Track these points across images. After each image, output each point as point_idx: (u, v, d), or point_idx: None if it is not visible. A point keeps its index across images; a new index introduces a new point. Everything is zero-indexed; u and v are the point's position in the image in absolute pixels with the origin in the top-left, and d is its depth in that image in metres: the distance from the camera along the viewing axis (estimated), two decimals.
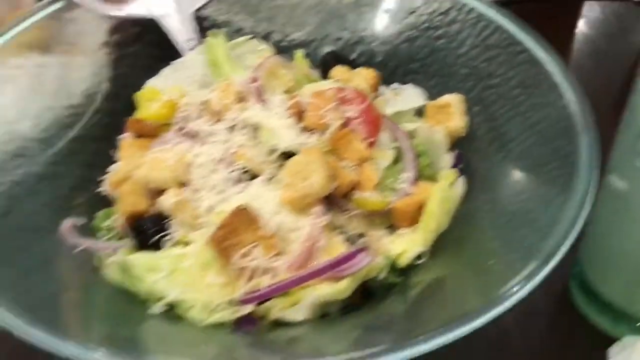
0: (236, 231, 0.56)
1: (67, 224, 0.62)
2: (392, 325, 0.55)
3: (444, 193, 0.62)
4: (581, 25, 1.08)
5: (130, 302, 0.56)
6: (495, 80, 0.71)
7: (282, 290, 0.56)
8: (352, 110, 0.67)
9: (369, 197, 0.63)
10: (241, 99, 0.69)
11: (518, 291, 0.46)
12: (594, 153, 0.56)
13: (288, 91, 0.73)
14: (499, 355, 0.66)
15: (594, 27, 1.07)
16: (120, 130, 0.72)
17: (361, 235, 0.64)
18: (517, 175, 0.63)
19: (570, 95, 0.62)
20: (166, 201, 0.62)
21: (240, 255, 0.56)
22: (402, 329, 0.54)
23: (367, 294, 0.60)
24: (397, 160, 0.69)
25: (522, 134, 0.65)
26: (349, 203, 0.64)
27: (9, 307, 0.46)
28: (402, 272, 0.61)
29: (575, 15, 1.10)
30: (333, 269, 0.56)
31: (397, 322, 0.56)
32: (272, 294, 0.56)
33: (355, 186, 0.64)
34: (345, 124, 0.67)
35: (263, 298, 0.56)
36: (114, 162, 0.70)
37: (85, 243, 0.61)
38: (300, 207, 0.60)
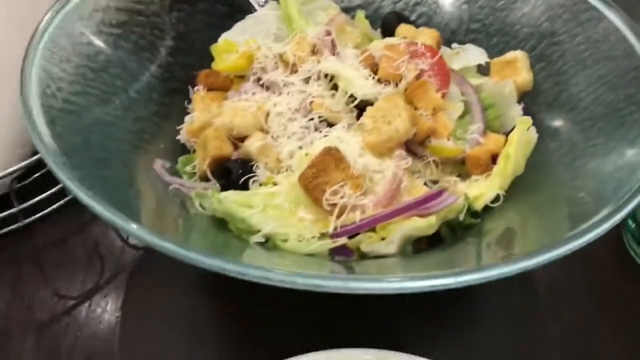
0: (325, 170, 0.59)
1: (158, 164, 0.64)
2: (472, 258, 0.58)
3: (522, 137, 0.64)
4: None
5: (228, 235, 0.58)
6: (559, 38, 0.73)
7: (373, 224, 0.58)
8: (424, 64, 0.70)
9: (445, 144, 0.66)
10: (315, 51, 0.72)
11: (587, 234, 0.48)
12: None
13: (356, 47, 0.76)
14: (556, 301, 0.69)
15: None
16: (194, 84, 0.74)
17: (435, 182, 0.66)
18: (588, 123, 0.65)
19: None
20: (251, 145, 0.65)
21: (330, 193, 0.58)
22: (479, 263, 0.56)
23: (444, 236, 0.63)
24: (464, 113, 0.71)
25: (591, 85, 0.67)
26: (425, 150, 0.66)
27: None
28: (479, 216, 0.63)
29: None
30: (420, 206, 0.59)
31: (470, 259, 0.58)
32: (363, 228, 0.58)
33: (431, 134, 0.66)
34: (418, 76, 0.69)
35: (354, 232, 0.58)
36: (187, 114, 0.72)
37: (176, 181, 0.63)
38: (383, 150, 0.63)
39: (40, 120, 0.55)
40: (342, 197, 0.58)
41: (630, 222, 0.73)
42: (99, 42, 0.68)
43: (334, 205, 0.58)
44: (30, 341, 0.64)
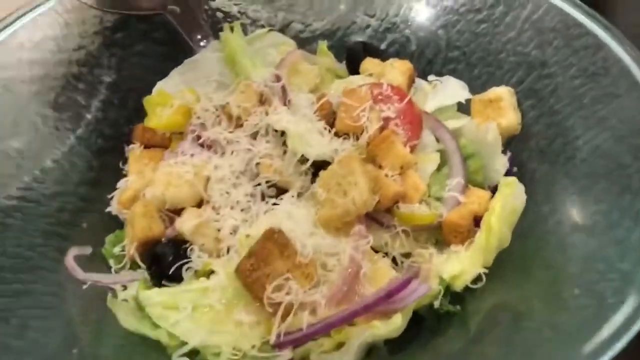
0: (267, 259, 0.48)
1: (71, 255, 0.54)
2: None
3: (506, 206, 0.53)
4: None
5: (149, 348, 0.48)
6: (551, 70, 0.62)
7: (325, 330, 0.48)
8: (389, 110, 0.59)
9: (417, 210, 0.55)
10: (263, 101, 0.61)
11: (621, 337, 0.37)
12: None
13: (314, 90, 0.65)
14: None
15: None
16: (128, 141, 0.64)
17: (406, 255, 0.55)
18: (588, 180, 0.54)
19: None
20: (184, 224, 0.54)
21: (272, 289, 0.48)
22: None
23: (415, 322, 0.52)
24: (441, 164, 0.60)
25: (590, 130, 0.56)
26: (393, 218, 0.55)
27: None
28: (459, 298, 0.53)
29: None
30: (383, 302, 0.48)
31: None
32: (314, 335, 0.48)
33: (399, 198, 0.56)
34: (382, 127, 0.59)
35: (301, 342, 0.48)
36: (122, 176, 0.62)
37: (92, 277, 0.53)
38: (339, 225, 0.52)
39: None
40: (287, 294, 0.48)
41: None
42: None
43: (278, 304, 0.48)
44: None
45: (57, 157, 0.60)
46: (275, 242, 0.49)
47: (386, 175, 0.55)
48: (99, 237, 0.59)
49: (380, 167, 0.56)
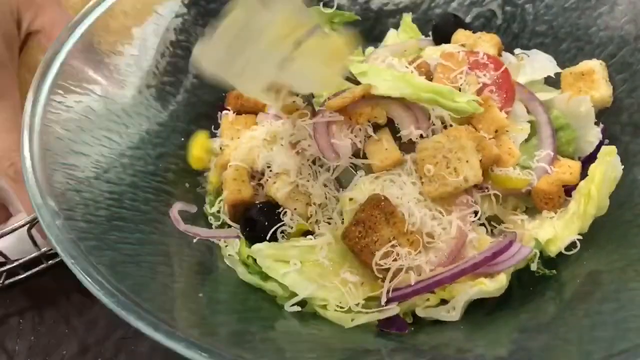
0: (374, 227, 0.50)
1: (176, 209, 0.57)
2: (547, 328, 0.48)
3: (606, 173, 0.54)
4: None
5: (259, 297, 0.51)
6: None
7: (434, 287, 0.50)
8: (486, 76, 0.60)
9: (511, 173, 0.56)
10: None
11: None
12: None
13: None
14: None
15: None
16: (222, 107, 0.67)
17: (495, 221, 0.57)
18: None
19: None
20: (278, 191, 0.56)
21: (382, 256, 0.49)
22: (559, 334, 0.47)
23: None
24: (531, 134, 0.61)
25: None
26: (487, 180, 0.56)
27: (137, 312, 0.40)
28: (553, 264, 0.54)
29: None
30: (487, 262, 0.50)
31: (553, 325, 0.48)
32: (422, 292, 0.50)
33: (496, 161, 0.56)
34: (478, 91, 0.60)
35: (409, 297, 0.50)
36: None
37: (191, 229, 0.56)
38: (446, 198, 0.54)
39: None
40: (395, 260, 0.50)
41: None
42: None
43: (386, 270, 0.50)
44: None
45: (161, 121, 0.62)
46: (381, 209, 0.51)
47: (484, 137, 0.56)
48: (200, 197, 0.61)
49: (476, 129, 0.57)
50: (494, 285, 0.49)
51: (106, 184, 0.53)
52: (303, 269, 0.51)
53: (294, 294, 0.50)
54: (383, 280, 0.50)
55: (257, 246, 0.52)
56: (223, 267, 0.53)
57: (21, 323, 0.65)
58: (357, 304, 0.49)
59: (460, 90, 0.59)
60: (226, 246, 0.56)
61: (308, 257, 0.52)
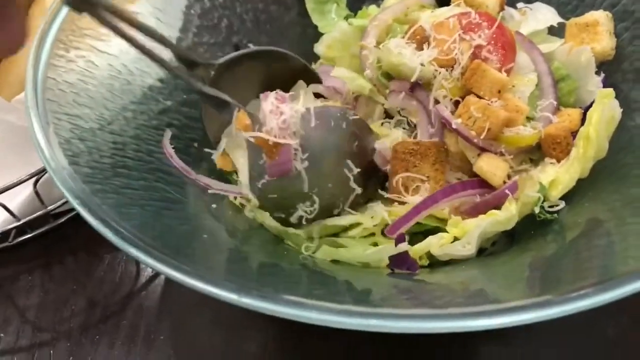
0: (424, 158, 0.55)
1: (166, 138, 0.58)
2: (549, 262, 0.49)
3: (603, 114, 0.54)
4: None
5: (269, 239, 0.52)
6: None
7: (430, 204, 0.52)
8: (480, 38, 0.60)
9: (522, 132, 0.56)
10: None
11: None
12: None
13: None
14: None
15: None
16: None
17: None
18: None
19: None
20: None
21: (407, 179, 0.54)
22: (567, 276, 0.47)
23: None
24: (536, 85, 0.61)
25: None
26: (500, 145, 0.56)
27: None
28: (556, 211, 0.54)
29: None
30: (479, 185, 0.53)
31: (560, 267, 0.49)
32: (421, 212, 0.52)
33: (507, 123, 0.56)
34: (476, 54, 0.59)
35: (407, 220, 0.52)
36: None
37: (212, 184, 0.57)
38: None
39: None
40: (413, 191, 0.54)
41: None
42: None
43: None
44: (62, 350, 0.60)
45: (163, 77, 0.62)
46: (439, 150, 0.55)
47: (489, 104, 0.56)
48: (201, 152, 0.62)
49: (479, 97, 0.57)
50: (504, 214, 0.50)
51: (110, 134, 0.53)
52: None
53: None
54: None
55: None
56: (229, 213, 0.54)
57: (30, 280, 0.66)
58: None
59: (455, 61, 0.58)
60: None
61: None
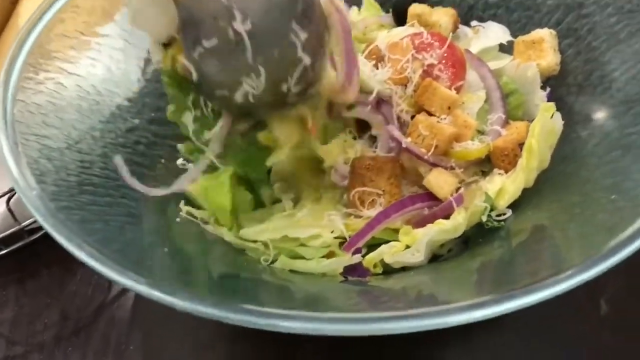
0: (379, 172, 0.58)
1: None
2: (499, 273, 0.52)
3: (544, 127, 0.57)
4: None
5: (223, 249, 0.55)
6: (588, 10, 0.65)
7: (383, 218, 0.55)
8: (432, 57, 0.63)
9: (471, 146, 0.59)
10: None
11: None
12: None
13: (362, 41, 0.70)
14: (598, 305, 0.62)
15: None
16: None
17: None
18: (623, 107, 0.58)
19: None
20: None
21: (364, 193, 0.57)
22: (509, 277, 0.50)
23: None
24: (485, 101, 0.65)
25: (625, 63, 0.60)
26: (450, 159, 0.59)
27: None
28: (503, 219, 0.57)
29: None
30: (427, 199, 0.57)
31: (505, 269, 0.52)
32: (376, 226, 0.55)
33: (454, 139, 0.59)
34: (428, 73, 0.62)
35: (364, 236, 0.55)
36: None
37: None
38: None
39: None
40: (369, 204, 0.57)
41: None
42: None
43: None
44: None
45: (131, 96, 0.65)
46: (395, 164, 0.58)
47: (438, 121, 0.59)
48: (169, 169, 0.64)
49: (430, 114, 0.61)
50: (451, 223, 0.53)
51: (77, 153, 0.56)
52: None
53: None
54: None
55: None
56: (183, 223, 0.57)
57: (5, 295, 0.68)
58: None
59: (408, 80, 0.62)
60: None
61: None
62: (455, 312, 0.40)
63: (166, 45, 0.52)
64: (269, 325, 0.38)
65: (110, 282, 0.69)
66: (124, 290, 0.68)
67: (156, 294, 0.40)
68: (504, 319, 0.54)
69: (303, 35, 0.50)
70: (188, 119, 0.56)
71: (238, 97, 0.50)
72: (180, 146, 0.63)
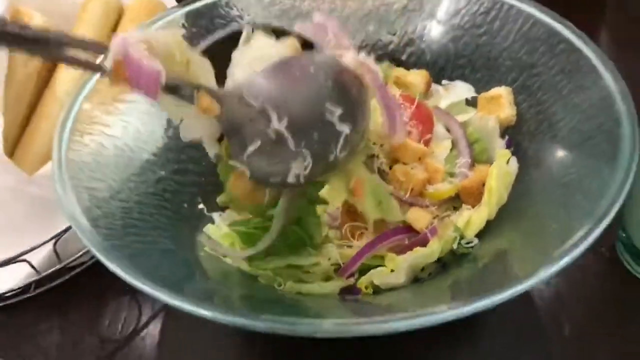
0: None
1: None
2: (468, 287, 0.64)
3: (501, 170, 0.70)
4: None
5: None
6: (537, 70, 0.78)
7: (369, 249, 0.67)
8: (404, 115, 0.75)
9: (441, 187, 0.73)
10: None
11: (574, 249, 0.54)
12: (635, 127, 0.63)
13: None
14: (557, 313, 0.74)
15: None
16: None
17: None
18: (566, 151, 0.70)
19: (608, 76, 0.69)
20: None
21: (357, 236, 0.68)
22: (475, 291, 0.62)
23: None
24: (453, 148, 0.78)
25: (567, 115, 0.73)
26: (425, 199, 0.72)
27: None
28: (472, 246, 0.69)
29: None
30: (401, 233, 0.69)
31: (472, 284, 0.64)
32: (364, 255, 0.67)
33: (426, 183, 0.73)
34: None
35: (355, 263, 0.67)
36: None
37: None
38: None
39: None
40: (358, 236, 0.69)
41: (621, 232, 0.78)
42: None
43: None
44: None
45: (156, 151, 0.77)
46: None
47: (412, 169, 0.73)
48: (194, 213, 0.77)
49: (405, 164, 0.74)
50: (427, 250, 0.65)
51: (119, 202, 0.68)
52: None
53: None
54: None
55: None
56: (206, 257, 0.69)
57: (49, 323, 0.79)
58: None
59: None
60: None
61: None
62: (424, 315, 0.52)
63: (220, 139, 0.59)
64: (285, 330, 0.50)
65: (140, 311, 0.80)
66: (152, 317, 0.79)
67: (187, 307, 0.52)
68: (466, 343, 0.67)
69: (338, 111, 0.54)
70: None
71: (290, 179, 0.55)
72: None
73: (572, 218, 0.60)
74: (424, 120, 0.76)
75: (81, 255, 0.80)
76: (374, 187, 0.66)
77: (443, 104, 0.82)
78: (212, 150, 0.60)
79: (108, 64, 0.48)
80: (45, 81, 0.93)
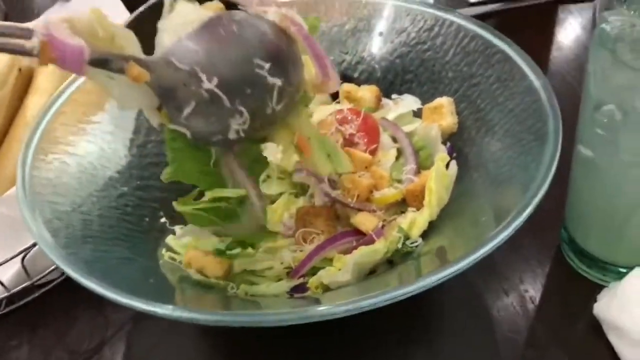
0: (319, 216, 0.74)
1: None
2: (410, 279, 0.68)
3: (439, 172, 0.75)
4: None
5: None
6: (476, 80, 0.84)
7: (319, 251, 0.71)
8: (351, 128, 0.81)
9: (387, 192, 0.77)
10: None
11: (502, 233, 0.59)
12: (558, 127, 0.69)
13: None
14: (503, 305, 0.78)
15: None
16: None
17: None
18: (501, 152, 0.75)
19: (537, 83, 0.75)
20: None
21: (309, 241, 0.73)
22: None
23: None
24: (399, 156, 0.83)
25: (503, 119, 0.78)
26: (372, 204, 0.77)
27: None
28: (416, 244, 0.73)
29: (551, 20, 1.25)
30: (346, 237, 0.73)
31: (414, 274, 0.69)
32: (314, 257, 0.71)
33: (372, 189, 0.77)
34: (349, 141, 0.81)
35: (305, 264, 0.71)
36: None
37: None
38: None
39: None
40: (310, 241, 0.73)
41: (563, 231, 0.83)
42: None
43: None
44: None
45: (120, 169, 0.82)
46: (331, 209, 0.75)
47: (359, 177, 0.77)
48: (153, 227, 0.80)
49: (352, 172, 0.78)
50: (371, 249, 0.69)
51: (80, 214, 0.72)
52: None
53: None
54: None
55: None
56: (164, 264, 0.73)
57: (19, 339, 0.82)
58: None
59: None
60: None
61: None
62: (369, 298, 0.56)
63: (159, 108, 0.59)
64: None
65: (107, 324, 0.83)
66: (119, 329, 0.82)
67: (142, 306, 0.56)
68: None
69: (267, 65, 0.54)
70: None
71: (231, 135, 0.56)
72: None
73: (501, 210, 0.65)
74: (370, 131, 0.81)
75: (50, 272, 0.84)
76: (320, 140, 0.68)
77: (392, 115, 0.87)
78: (154, 119, 0.59)
79: (35, 46, 0.49)
80: (16, 107, 0.97)
